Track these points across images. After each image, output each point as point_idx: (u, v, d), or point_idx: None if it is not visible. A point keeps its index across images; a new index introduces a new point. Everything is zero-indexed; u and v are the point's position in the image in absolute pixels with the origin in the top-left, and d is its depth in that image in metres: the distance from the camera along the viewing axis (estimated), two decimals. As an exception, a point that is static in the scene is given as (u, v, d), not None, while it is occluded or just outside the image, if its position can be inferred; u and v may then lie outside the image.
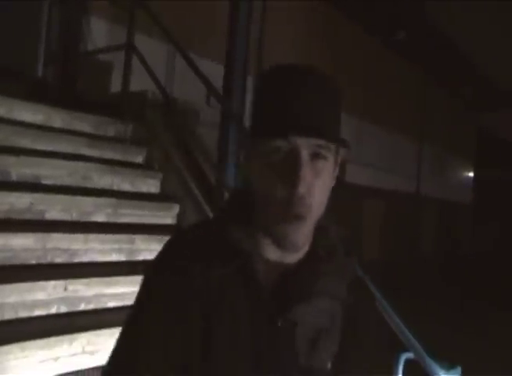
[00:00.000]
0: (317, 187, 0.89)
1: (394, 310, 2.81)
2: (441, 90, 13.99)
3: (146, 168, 4.45)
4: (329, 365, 0.94)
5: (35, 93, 4.55)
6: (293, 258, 0.97)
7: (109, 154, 4.20)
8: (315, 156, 0.89)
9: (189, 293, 0.93)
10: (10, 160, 3.38)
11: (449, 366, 2.64)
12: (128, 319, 0.99)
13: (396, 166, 12.18)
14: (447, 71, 12.67)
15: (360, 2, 8.95)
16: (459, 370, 2.63)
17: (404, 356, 2.57)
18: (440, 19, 9.91)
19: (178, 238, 1.05)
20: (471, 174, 17.98)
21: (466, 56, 11.86)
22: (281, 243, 0.91)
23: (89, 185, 3.83)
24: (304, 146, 0.87)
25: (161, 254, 1.01)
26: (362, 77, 10.36)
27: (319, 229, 0.99)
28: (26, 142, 3.65)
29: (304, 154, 0.87)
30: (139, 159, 4.47)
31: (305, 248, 0.98)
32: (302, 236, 0.91)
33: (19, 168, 3.42)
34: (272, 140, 0.88)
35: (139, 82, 4.79)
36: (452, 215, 15.90)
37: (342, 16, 9.53)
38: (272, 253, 0.96)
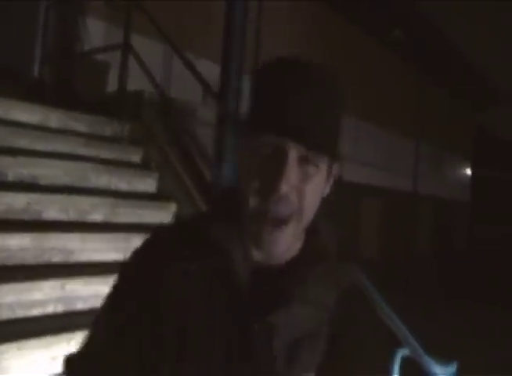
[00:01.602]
0: (307, 192, 0.85)
1: (390, 307, 2.82)
2: (438, 88, 14.02)
3: (142, 167, 4.45)
4: None
5: (32, 93, 4.55)
6: (278, 260, 0.92)
7: (106, 154, 4.21)
8: (305, 160, 0.85)
9: (165, 285, 0.91)
10: (7, 161, 3.38)
11: (445, 363, 2.66)
12: (102, 307, 0.99)
13: (394, 164, 12.20)
14: (445, 69, 12.69)
15: (357, 2, 8.96)
16: (454, 366, 2.64)
17: (400, 353, 2.58)
18: (438, 17, 9.93)
19: (161, 231, 1.03)
20: (469, 172, 18.01)
21: (464, 54, 11.88)
22: (260, 246, 0.87)
23: (86, 184, 3.83)
24: (294, 147, 0.83)
25: (143, 245, 1.00)
26: (360, 76, 10.38)
27: (311, 232, 0.95)
28: (23, 142, 3.66)
29: (293, 154, 0.83)
30: (136, 158, 4.48)
31: (295, 249, 0.94)
32: (281, 242, 0.86)
33: (16, 169, 3.42)
34: (261, 134, 0.84)
35: (136, 82, 4.80)
36: (449, 213, 15.93)
37: (339, 15, 9.55)
38: (256, 254, 0.91)
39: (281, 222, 0.84)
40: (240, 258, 0.90)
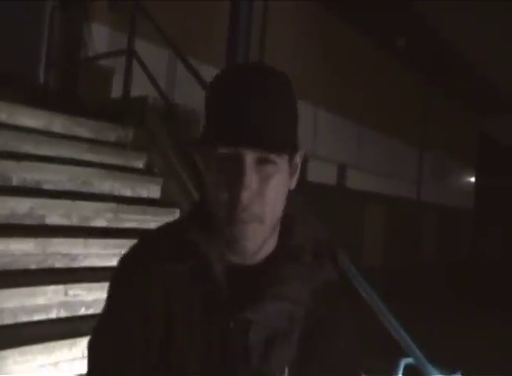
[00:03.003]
0: (268, 193, 0.87)
1: (394, 315, 2.81)
2: (442, 95, 14.01)
3: (146, 173, 4.45)
4: (286, 371, 0.91)
5: (36, 98, 4.56)
6: (253, 259, 0.95)
7: (109, 159, 4.21)
8: (263, 160, 0.86)
9: (149, 293, 0.94)
10: (11, 165, 3.38)
11: (450, 372, 2.64)
12: (96, 324, 1.01)
13: (397, 171, 12.19)
14: (448, 76, 12.68)
15: (361, 6, 8.97)
16: (459, 375, 2.63)
17: (404, 362, 2.57)
18: (441, 23, 9.93)
19: (141, 240, 1.06)
20: (472, 179, 17.97)
21: (468, 61, 11.87)
22: (231, 247, 0.90)
23: (90, 190, 3.84)
24: (249, 152, 0.85)
25: (123, 257, 1.03)
26: (363, 82, 10.38)
27: (285, 230, 0.98)
28: (27, 147, 3.66)
29: (249, 160, 0.85)
30: (140, 164, 4.48)
31: (268, 249, 0.96)
32: (254, 240, 0.89)
33: (20, 173, 3.43)
34: (218, 146, 0.86)
35: (140, 88, 4.81)
36: (453, 220, 15.89)
37: (343, 19, 9.56)
38: (233, 257, 0.94)
39: (248, 222, 0.87)
40: (217, 260, 0.93)
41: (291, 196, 0.95)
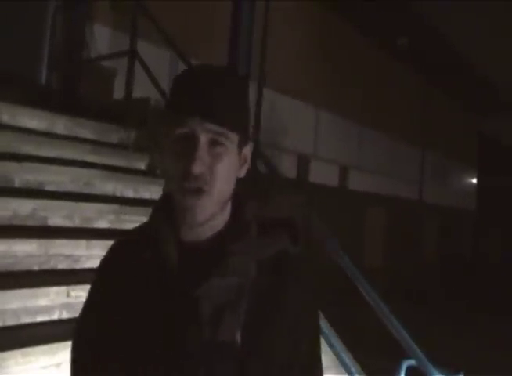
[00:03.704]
0: (218, 168, 0.98)
1: (395, 316, 2.81)
2: (443, 96, 14.00)
3: (148, 174, 4.45)
4: (238, 337, 0.97)
5: (38, 99, 4.56)
6: (203, 234, 1.03)
7: (112, 161, 4.21)
8: (214, 142, 0.98)
9: (112, 286, 1.07)
10: (13, 167, 3.38)
11: (452, 373, 2.64)
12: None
13: (398, 172, 12.18)
14: (449, 77, 12.68)
15: (362, 6, 8.96)
16: (461, 376, 2.63)
17: (406, 363, 2.56)
18: (441, 23, 9.93)
19: (120, 237, 1.18)
20: (474, 180, 17.96)
21: (469, 62, 11.87)
22: (184, 216, 1.00)
23: (92, 191, 3.84)
24: (203, 131, 0.97)
25: (106, 253, 1.16)
26: (364, 82, 10.38)
27: (236, 213, 1.07)
28: (29, 148, 3.66)
29: (203, 139, 0.97)
30: (142, 165, 4.48)
31: (217, 226, 1.04)
32: (202, 210, 0.98)
33: (22, 175, 3.43)
34: (174, 125, 0.98)
35: (142, 89, 4.81)
36: (454, 221, 15.88)
37: (344, 19, 9.56)
38: (186, 235, 1.03)
39: (197, 193, 0.97)
40: (170, 240, 1.02)
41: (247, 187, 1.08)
